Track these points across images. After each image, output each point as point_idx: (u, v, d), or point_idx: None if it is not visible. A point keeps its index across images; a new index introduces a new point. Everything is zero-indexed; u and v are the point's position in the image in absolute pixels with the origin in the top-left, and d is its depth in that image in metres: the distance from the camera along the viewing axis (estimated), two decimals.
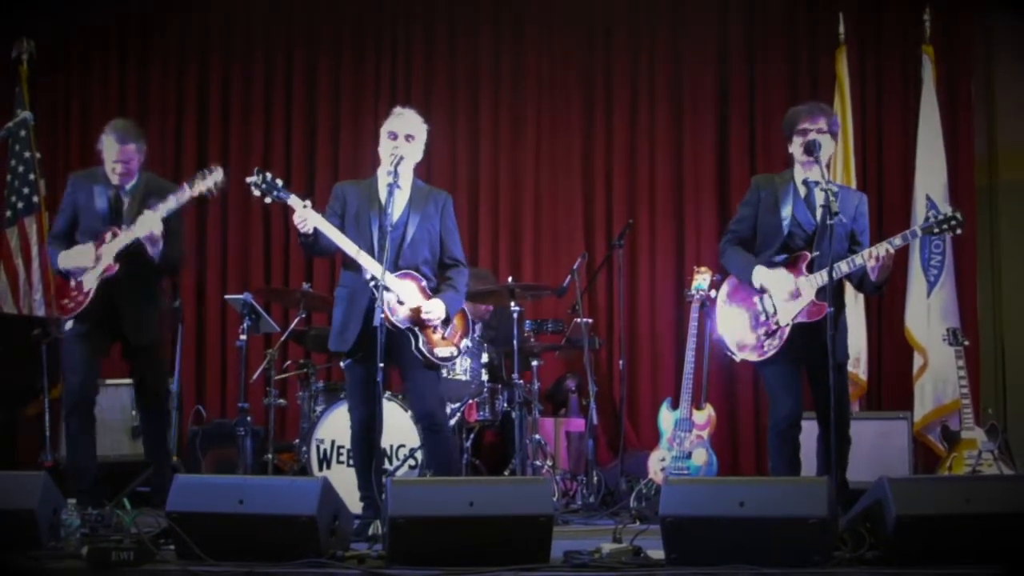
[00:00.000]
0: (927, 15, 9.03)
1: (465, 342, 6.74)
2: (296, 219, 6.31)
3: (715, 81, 9.85)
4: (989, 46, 9.56)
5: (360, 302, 6.37)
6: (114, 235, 6.89)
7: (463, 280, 6.69)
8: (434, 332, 6.48)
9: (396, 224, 6.44)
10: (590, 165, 9.98)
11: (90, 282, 6.88)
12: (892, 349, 9.17)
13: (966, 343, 8.06)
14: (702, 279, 7.94)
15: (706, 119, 9.82)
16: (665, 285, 9.72)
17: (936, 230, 6.41)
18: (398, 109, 6.66)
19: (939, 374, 8.58)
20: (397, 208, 6.48)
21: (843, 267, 6.36)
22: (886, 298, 9.13)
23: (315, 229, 6.30)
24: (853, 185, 8.65)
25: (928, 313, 8.70)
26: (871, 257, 6.30)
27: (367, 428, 6.40)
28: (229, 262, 10.17)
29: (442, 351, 6.53)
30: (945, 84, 9.21)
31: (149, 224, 6.82)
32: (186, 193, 6.99)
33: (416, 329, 6.43)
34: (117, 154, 7.00)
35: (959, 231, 6.42)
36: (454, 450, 6.72)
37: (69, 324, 6.95)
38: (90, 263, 6.87)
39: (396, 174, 6.39)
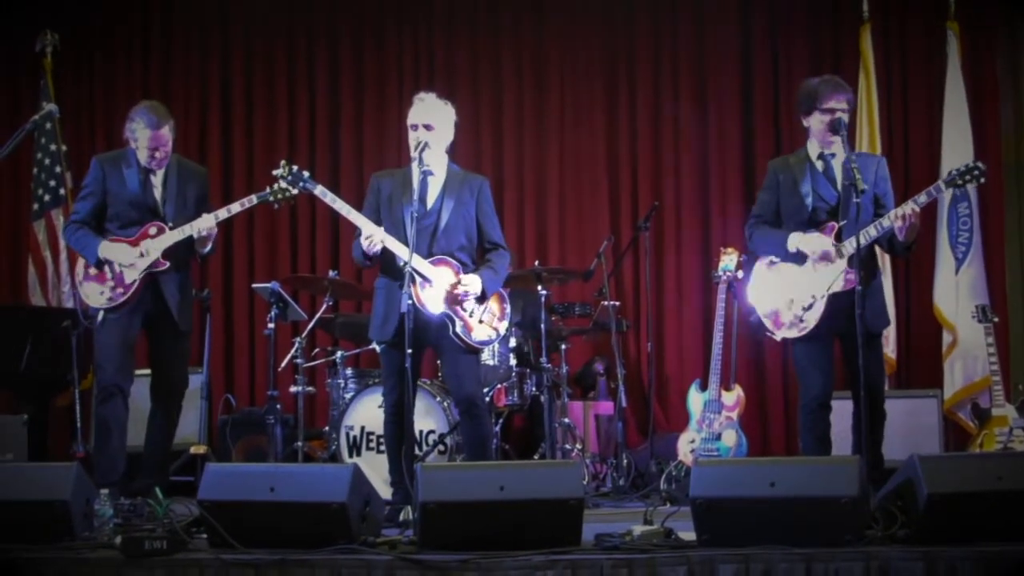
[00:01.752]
0: None
1: (504, 324, 6.67)
2: (364, 241, 6.37)
3: (738, 60, 9.82)
4: (1014, 22, 9.49)
5: (398, 292, 6.36)
6: (160, 231, 6.83)
7: (503, 263, 6.66)
8: (471, 315, 6.46)
9: (430, 211, 6.46)
10: (615, 148, 9.97)
11: (132, 275, 6.79)
12: (921, 327, 9.15)
13: (995, 320, 8.04)
14: (729, 260, 7.93)
15: (730, 98, 9.79)
16: (691, 267, 9.71)
17: (960, 181, 6.37)
18: (418, 96, 6.64)
19: (969, 351, 8.56)
20: (431, 195, 6.49)
21: (871, 231, 6.32)
22: (914, 276, 9.12)
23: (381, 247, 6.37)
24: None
25: (957, 290, 8.68)
26: (897, 218, 6.26)
27: (399, 414, 6.41)
28: (256, 251, 10.19)
29: (480, 335, 6.51)
30: (970, 60, 9.16)
31: (205, 224, 6.81)
32: (247, 203, 6.99)
33: (452, 314, 6.42)
34: (150, 140, 6.83)
35: (983, 180, 6.38)
36: (490, 435, 6.73)
37: (101, 315, 6.86)
38: (134, 259, 6.78)
39: (421, 161, 6.39)
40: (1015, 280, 9.28)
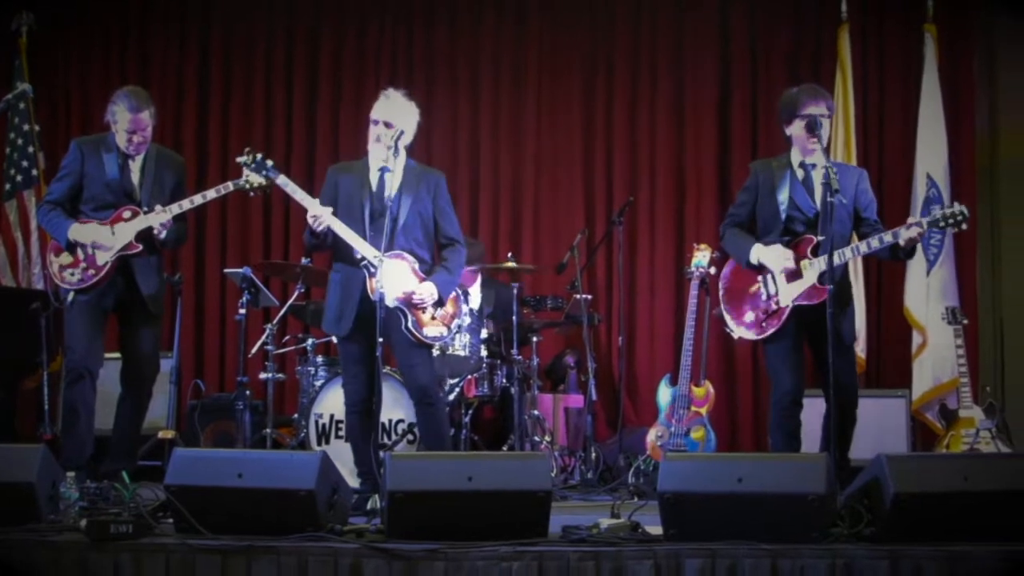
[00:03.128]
0: None
1: (456, 322, 6.73)
2: (311, 219, 6.39)
3: (716, 59, 9.84)
4: (991, 26, 9.54)
5: (354, 285, 6.42)
6: (134, 214, 6.82)
7: (457, 260, 6.69)
8: (424, 312, 6.50)
9: (390, 206, 6.45)
10: (591, 142, 9.97)
11: (104, 257, 6.79)
12: (891, 327, 9.18)
13: (965, 322, 8.08)
14: (702, 256, 7.94)
15: (707, 96, 9.81)
16: (664, 262, 9.72)
17: (942, 224, 6.42)
18: (385, 92, 6.67)
19: (938, 353, 8.60)
20: (390, 191, 6.50)
21: (847, 253, 6.42)
22: (885, 277, 9.17)
23: (328, 228, 6.38)
24: (853, 162, 8.64)
25: (927, 292, 8.71)
26: (907, 238, 6.32)
27: (358, 403, 6.51)
28: (229, 236, 10.16)
29: (431, 331, 6.54)
30: (947, 63, 9.20)
31: (162, 218, 6.80)
32: (223, 189, 7.01)
33: (405, 309, 6.45)
34: (130, 123, 6.83)
35: (964, 227, 6.45)
36: (446, 424, 6.73)
37: (71, 296, 6.83)
38: (106, 240, 6.78)
39: (397, 150, 6.45)
40: (985, 283, 9.33)
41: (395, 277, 6.41)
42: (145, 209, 6.85)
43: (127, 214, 6.84)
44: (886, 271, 9.19)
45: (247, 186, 6.93)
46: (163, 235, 6.87)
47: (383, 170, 6.46)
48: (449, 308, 6.63)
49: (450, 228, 6.71)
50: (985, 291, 9.31)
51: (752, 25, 9.79)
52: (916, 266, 8.70)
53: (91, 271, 6.80)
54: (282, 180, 6.58)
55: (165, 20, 10.35)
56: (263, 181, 6.84)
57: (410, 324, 6.46)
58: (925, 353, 8.69)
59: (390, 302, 6.35)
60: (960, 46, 9.35)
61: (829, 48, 9.38)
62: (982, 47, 9.47)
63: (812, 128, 6.44)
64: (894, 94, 9.49)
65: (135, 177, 6.94)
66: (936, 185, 8.73)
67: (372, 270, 6.29)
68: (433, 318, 6.54)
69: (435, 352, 6.99)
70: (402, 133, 6.46)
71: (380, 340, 6.06)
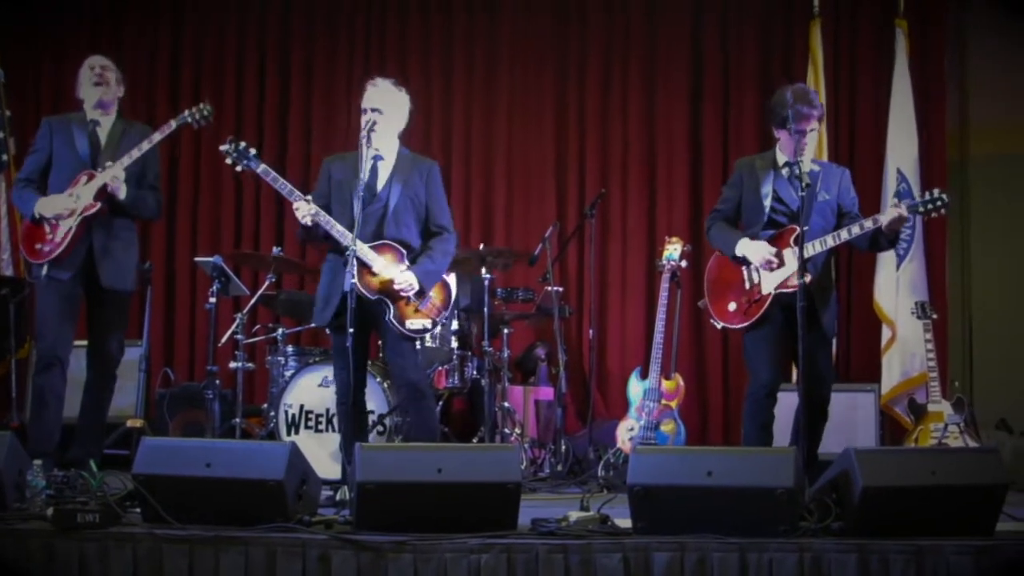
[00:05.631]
0: None
1: (444, 313, 6.66)
2: (297, 212, 6.38)
3: (688, 52, 9.84)
4: (962, 21, 9.57)
5: (341, 275, 6.36)
6: (90, 178, 6.75)
7: (444, 248, 6.62)
8: (407, 304, 6.45)
9: (379, 196, 6.47)
10: (563, 135, 9.96)
11: (68, 224, 6.70)
12: (860, 322, 9.21)
13: (934, 316, 8.12)
14: (673, 249, 7.96)
15: (679, 89, 9.81)
16: (636, 255, 9.72)
17: (921, 209, 6.45)
18: (372, 81, 6.64)
19: (907, 347, 8.63)
20: (380, 179, 6.51)
21: (828, 240, 6.46)
22: (855, 271, 9.19)
23: (314, 221, 6.36)
24: (825, 157, 8.67)
25: (897, 286, 8.74)
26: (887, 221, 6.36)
27: (344, 395, 6.48)
28: (200, 224, 10.11)
29: (413, 323, 6.47)
30: (918, 58, 9.22)
31: (113, 172, 6.73)
32: (165, 130, 6.93)
33: (387, 300, 6.42)
34: (95, 76, 6.90)
35: (944, 211, 6.46)
36: (436, 422, 6.70)
37: (44, 270, 6.73)
38: (67, 208, 6.70)
39: (369, 140, 6.41)
40: (955, 278, 9.36)
41: (379, 267, 6.38)
42: (100, 169, 6.79)
43: (84, 178, 6.78)
44: (856, 265, 9.22)
45: (188, 120, 6.98)
46: (120, 194, 6.77)
47: (375, 158, 6.46)
48: (436, 300, 6.58)
49: (441, 216, 6.66)
50: (955, 286, 9.34)
51: (724, 19, 9.79)
52: (886, 260, 8.73)
53: (56, 239, 6.72)
54: (263, 169, 6.53)
55: (138, 9, 10.27)
56: (204, 115, 6.99)
57: (392, 316, 6.42)
58: (894, 347, 8.72)
59: (369, 293, 6.35)
60: (931, 41, 9.37)
61: (801, 43, 9.40)
62: (953, 42, 9.50)
63: (801, 141, 6.49)
64: (865, 88, 9.51)
65: (103, 148, 6.92)
66: (906, 179, 8.77)
67: (352, 257, 6.26)
68: (417, 310, 6.48)
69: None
70: (374, 122, 6.43)
71: (351, 331, 6.05)
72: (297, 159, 9.99)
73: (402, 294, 6.41)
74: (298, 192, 6.44)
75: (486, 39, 10.06)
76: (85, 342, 7.06)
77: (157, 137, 6.90)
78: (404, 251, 6.47)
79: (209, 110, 7.04)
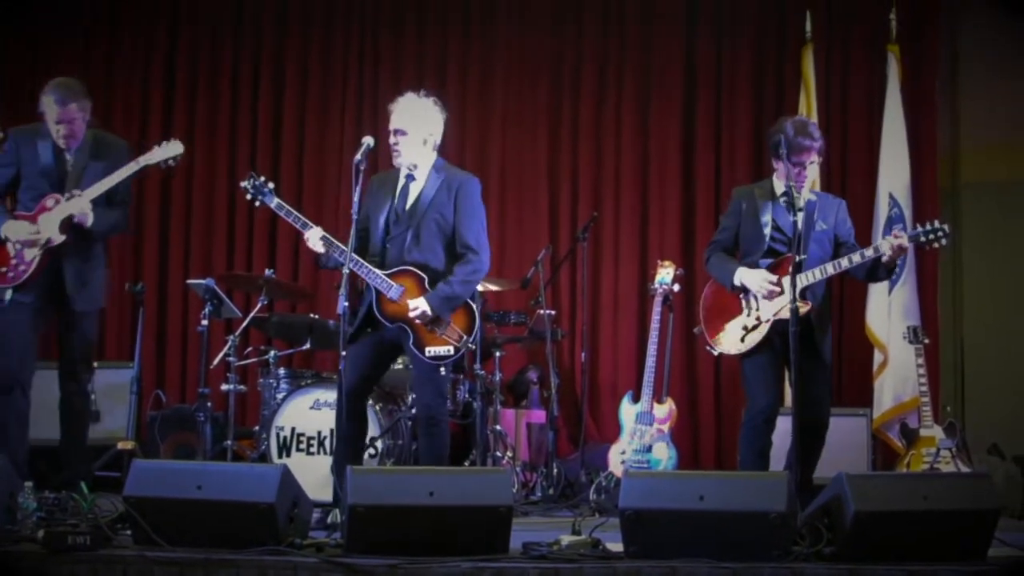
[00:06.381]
0: (893, 14, 9.08)
1: (466, 339, 6.48)
2: (307, 242, 6.42)
3: (681, 76, 9.85)
4: (954, 47, 9.60)
5: (365, 298, 6.42)
6: (56, 202, 6.68)
7: (466, 272, 6.46)
8: (425, 330, 6.40)
9: (405, 217, 6.47)
10: (556, 158, 9.97)
11: (32, 252, 6.65)
12: (852, 346, 9.21)
13: (926, 341, 8.12)
14: (665, 272, 7.96)
15: (672, 113, 9.82)
16: (628, 279, 9.73)
17: (922, 239, 6.47)
18: (393, 102, 6.62)
19: (899, 372, 8.63)
20: (409, 199, 6.50)
21: (828, 268, 6.50)
22: (847, 295, 9.20)
23: (326, 247, 6.39)
24: (817, 183, 8.67)
25: (889, 311, 8.74)
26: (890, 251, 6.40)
27: (347, 395, 6.35)
28: (192, 247, 10.10)
29: (433, 349, 6.39)
30: (910, 83, 9.24)
31: (80, 205, 6.66)
32: (132, 168, 6.85)
33: (406, 326, 6.39)
34: (58, 115, 6.73)
35: (944, 241, 6.49)
36: (445, 447, 6.56)
37: (9, 294, 6.67)
38: (33, 236, 6.64)
39: (398, 165, 6.49)
40: (946, 302, 9.37)
41: (393, 294, 6.37)
42: (67, 195, 6.71)
43: (50, 203, 6.71)
44: (848, 290, 9.22)
45: (154, 161, 6.89)
46: (87, 222, 6.72)
47: (408, 177, 6.48)
48: (457, 325, 6.44)
49: (468, 234, 6.50)
50: (946, 311, 9.35)
51: (717, 42, 9.82)
52: (878, 285, 8.73)
53: (21, 267, 6.67)
54: (276, 204, 6.51)
55: (133, 27, 10.23)
56: (171, 157, 6.92)
57: (412, 343, 6.38)
58: (886, 372, 8.72)
59: (387, 320, 6.40)
60: (923, 66, 9.40)
61: (793, 66, 9.42)
62: (944, 69, 9.53)
63: (801, 173, 6.52)
64: (857, 113, 9.54)
65: (69, 166, 6.84)
66: (898, 204, 8.78)
67: (379, 290, 6.32)
68: (437, 336, 6.41)
69: (398, 366, 6.98)
70: (397, 144, 6.46)
71: (343, 354, 6.05)
72: (290, 169, 9.99)
73: (417, 320, 6.37)
74: (309, 222, 6.45)
75: (479, 59, 10.05)
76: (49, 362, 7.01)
77: (123, 173, 6.82)
78: (424, 276, 6.40)
79: (177, 154, 6.96)
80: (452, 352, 6.42)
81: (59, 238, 6.68)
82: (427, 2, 10.15)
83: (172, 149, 6.95)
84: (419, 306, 6.33)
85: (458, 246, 6.50)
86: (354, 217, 6.25)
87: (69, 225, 6.70)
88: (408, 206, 6.48)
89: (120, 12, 10.32)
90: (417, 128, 6.50)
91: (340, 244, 6.34)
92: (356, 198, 6.22)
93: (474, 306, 6.60)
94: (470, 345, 6.57)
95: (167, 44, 10.28)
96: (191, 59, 10.26)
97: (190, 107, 10.18)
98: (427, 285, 6.39)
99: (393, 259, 6.41)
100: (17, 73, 10.13)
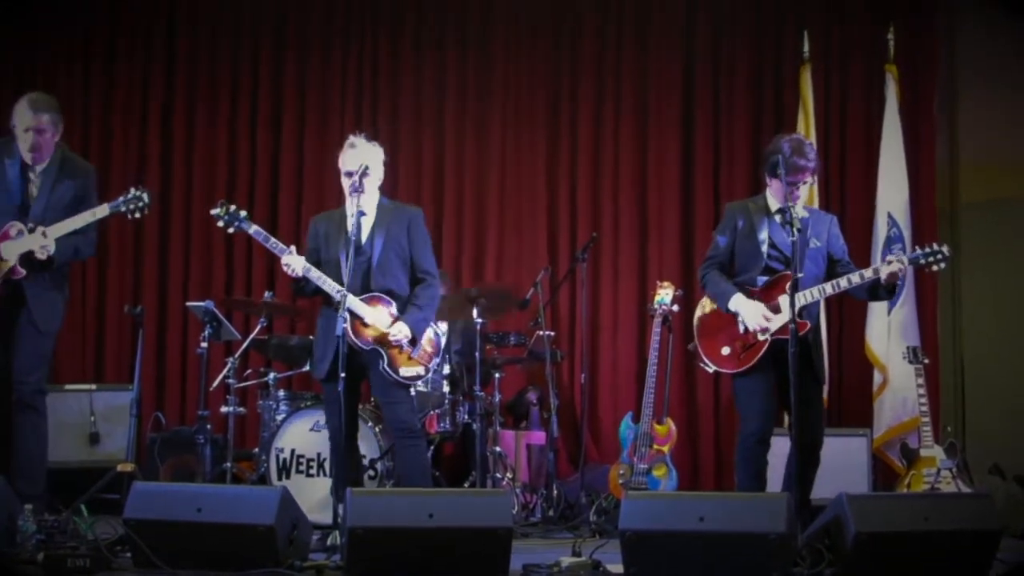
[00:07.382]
0: (891, 34, 9.09)
1: (435, 360, 6.82)
2: (286, 268, 6.55)
3: (680, 96, 9.85)
4: (952, 67, 9.61)
5: (332, 328, 6.40)
6: (19, 232, 6.59)
7: (428, 295, 6.75)
8: (400, 352, 6.58)
9: (363, 249, 6.61)
10: (555, 179, 9.96)
11: None
12: (852, 366, 9.20)
13: (926, 361, 8.11)
14: (665, 293, 7.96)
15: (671, 134, 9.81)
16: (628, 299, 9.71)
17: (922, 261, 6.50)
18: (350, 142, 6.76)
19: (899, 392, 8.61)
20: (364, 232, 6.63)
21: (827, 288, 6.51)
22: (847, 315, 9.20)
23: (304, 274, 6.52)
24: (816, 202, 8.68)
25: (888, 331, 8.74)
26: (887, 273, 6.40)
27: (335, 440, 6.58)
28: (192, 269, 10.09)
29: (407, 371, 6.61)
30: (908, 103, 9.26)
31: (41, 243, 6.57)
32: (100, 213, 6.78)
33: (381, 349, 6.54)
34: (30, 120, 6.63)
35: (943, 264, 6.51)
36: (426, 457, 6.82)
37: None
38: None
39: (355, 202, 6.54)
40: (946, 322, 9.36)
41: (370, 318, 6.52)
42: (30, 226, 6.61)
43: (13, 231, 6.62)
44: (848, 310, 9.22)
45: (122, 209, 6.82)
46: (50, 251, 6.60)
47: (359, 214, 6.54)
48: (427, 347, 6.71)
49: (424, 260, 6.80)
50: (946, 331, 9.34)
51: (715, 63, 9.82)
52: (877, 305, 8.72)
53: None
54: (254, 230, 6.68)
55: (130, 45, 10.17)
56: (139, 206, 6.83)
57: (386, 365, 6.55)
58: (886, 392, 8.71)
59: (363, 344, 6.48)
60: (921, 86, 9.41)
61: (792, 85, 9.42)
62: (943, 89, 9.54)
63: (793, 193, 6.52)
64: (856, 133, 9.54)
65: (34, 187, 6.77)
66: (897, 224, 8.77)
67: (344, 301, 6.34)
68: (410, 358, 6.61)
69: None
70: (366, 169, 6.52)
71: (343, 375, 6.10)
72: (288, 200, 9.98)
73: (397, 343, 6.52)
74: (287, 248, 6.58)
75: (477, 82, 10.04)
76: (87, 386, 6.98)
77: (87, 217, 6.74)
78: (392, 301, 6.62)
79: (145, 202, 6.88)
80: (423, 373, 6.73)
81: (20, 273, 6.61)
82: (425, 16, 10.14)
83: (136, 203, 6.84)
84: (401, 330, 6.55)
85: (418, 272, 6.78)
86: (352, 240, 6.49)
87: (29, 260, 6.62)
88: (365, 239, 6.64)
89: (116, 36, 10.29)
90: (375, 167, 6.69)
91: (320, 272, 6.54)
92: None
93: (439, 330, 6.99)
94: (435, 367, 6.95)
95: (167, 42, 10.22)
96: (190, 79, 10.21)
97: (189, 130, 10.15)
98: (395, 310, 6.61)
99: (358, 287, 6.57)
100: (17, 73, 10.11)
